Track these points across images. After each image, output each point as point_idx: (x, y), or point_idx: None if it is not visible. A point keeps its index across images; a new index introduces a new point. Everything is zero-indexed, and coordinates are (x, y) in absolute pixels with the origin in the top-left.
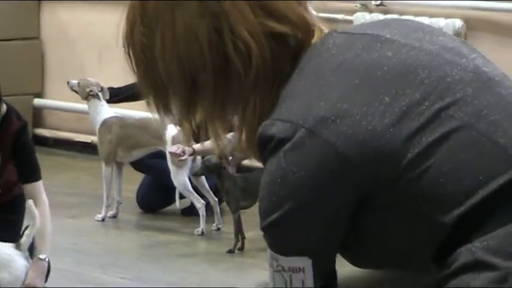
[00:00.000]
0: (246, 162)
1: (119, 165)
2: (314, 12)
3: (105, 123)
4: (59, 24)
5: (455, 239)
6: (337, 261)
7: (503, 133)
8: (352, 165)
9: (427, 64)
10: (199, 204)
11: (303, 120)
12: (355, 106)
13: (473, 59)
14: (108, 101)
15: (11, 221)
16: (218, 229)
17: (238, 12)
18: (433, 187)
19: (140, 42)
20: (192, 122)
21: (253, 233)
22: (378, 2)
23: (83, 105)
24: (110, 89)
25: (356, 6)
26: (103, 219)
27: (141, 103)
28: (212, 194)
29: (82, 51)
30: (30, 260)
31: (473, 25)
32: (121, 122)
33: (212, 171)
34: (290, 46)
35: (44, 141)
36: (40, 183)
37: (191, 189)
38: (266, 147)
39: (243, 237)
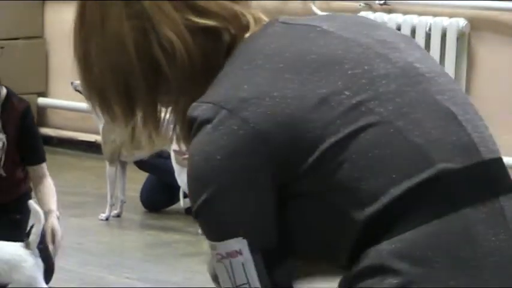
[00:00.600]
0: None
1: (123, 165)
2: (253, 3)
3: None
4: (63, 24)
5: (368, 238)
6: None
7: (421, 132)
8: (272, 147)
9: (356, 56)
10: None
11: (225, 102)
12: (277, 89)
13: (409, 55)
14: None
15: (17, 221)
16: None
17: (159, 10)
18: (349, 181)
19: (80, 49)
20: (134, 124)
21: None
22: (382, 1)
23: (87, 105)
24: None
25: (360, 5)
26: (107, 219)
27: None
28: None
29: None
30: (40, 259)
31: (477, 24)
32: None
33: None
34: (224, 40)
35: (48, 141)
36: (44, 165)
37: None
38: (191, 129)
39: None
